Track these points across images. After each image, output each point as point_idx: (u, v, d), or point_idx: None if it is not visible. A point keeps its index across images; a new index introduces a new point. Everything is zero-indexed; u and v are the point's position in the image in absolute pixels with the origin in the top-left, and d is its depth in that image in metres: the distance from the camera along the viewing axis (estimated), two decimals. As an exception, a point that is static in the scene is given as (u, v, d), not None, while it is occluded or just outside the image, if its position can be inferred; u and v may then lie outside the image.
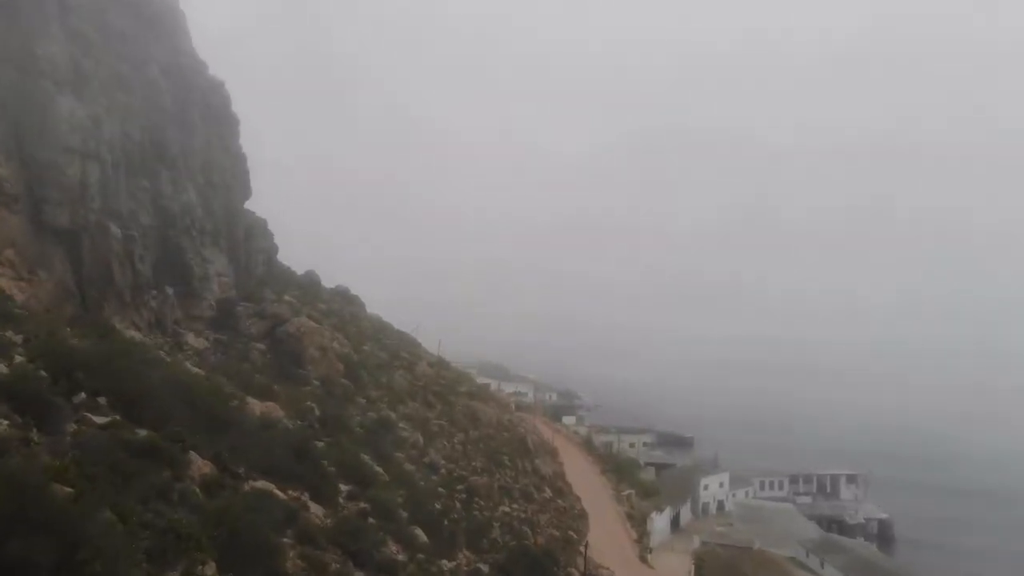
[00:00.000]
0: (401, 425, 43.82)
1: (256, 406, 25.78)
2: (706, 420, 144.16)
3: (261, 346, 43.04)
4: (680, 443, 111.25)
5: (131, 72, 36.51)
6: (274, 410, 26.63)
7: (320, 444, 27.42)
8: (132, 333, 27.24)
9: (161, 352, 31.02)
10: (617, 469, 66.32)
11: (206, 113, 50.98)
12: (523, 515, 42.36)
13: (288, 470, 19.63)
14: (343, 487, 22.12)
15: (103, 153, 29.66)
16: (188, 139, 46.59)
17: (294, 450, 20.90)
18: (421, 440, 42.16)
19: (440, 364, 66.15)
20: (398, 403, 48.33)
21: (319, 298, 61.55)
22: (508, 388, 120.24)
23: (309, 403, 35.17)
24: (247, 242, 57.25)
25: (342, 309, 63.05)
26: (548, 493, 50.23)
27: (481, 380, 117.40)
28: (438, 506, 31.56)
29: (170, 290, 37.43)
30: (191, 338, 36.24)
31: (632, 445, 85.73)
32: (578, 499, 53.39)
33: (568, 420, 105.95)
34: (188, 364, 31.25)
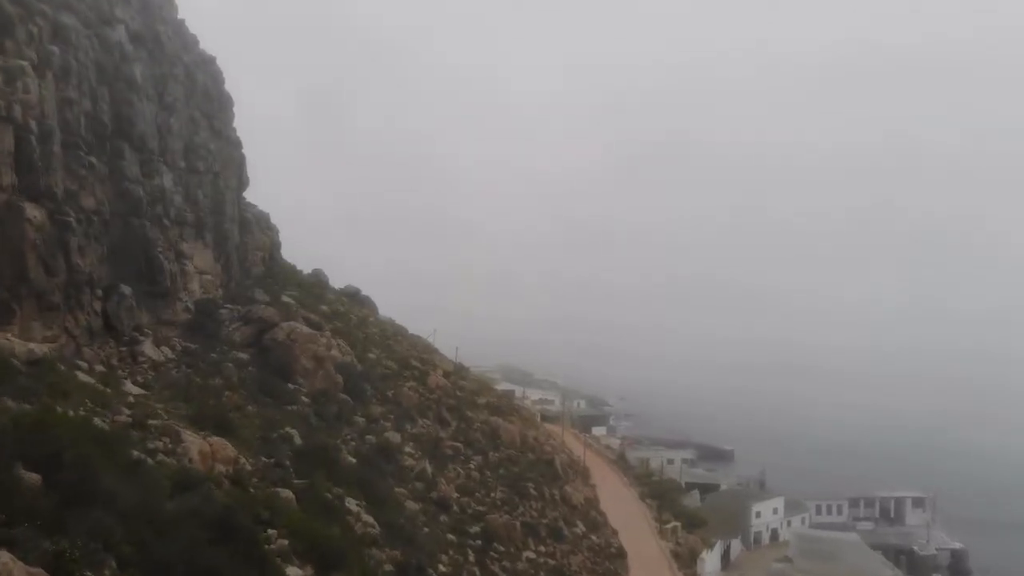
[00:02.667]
0: (407, 450, 37.10)
1: (194, 445, 19.14)
2: (727, 424, 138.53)
3: (244, 356, 36.63)
4: (720, 457, 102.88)
5: (79, 27, 30.33)
6: (220, 450, 19.96)
7: (284, 493, 20.69)
8: (33, 346, 20.84)
9: (92, 370, 24.71)
10: (658, 493, 58.77)
11: (191, 90, 44.87)
12: (551, 561, 35.29)
13: (198, 561, 12.75)
14: (295, 573, 15.32)
15: (18, 116, 23.50)
16: (166, 117, 40.43)
17: (215, 523, 14.04)
18: (429, 469, 35.35)
19: (458, 373, 59.32)
20: (406, 421, 41.63)
21: (323, 299, 55.16)
22: (533, 395, 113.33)
23: (288, 429, 28.55)
24: (243, 237, 51.21)
25: (349, 312, 56.61)
26: (580, 528, 43.05)
27: (504, 386, 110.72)
28: (444, 567, 24.62)
29: (127, 289, 31.15)
30: (148, 348, 29.88)
31: (671, 462, 77.91)
32: (615, 533, 46.09)
33: (598, 431, 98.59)
34: (128, 384, 24.85)
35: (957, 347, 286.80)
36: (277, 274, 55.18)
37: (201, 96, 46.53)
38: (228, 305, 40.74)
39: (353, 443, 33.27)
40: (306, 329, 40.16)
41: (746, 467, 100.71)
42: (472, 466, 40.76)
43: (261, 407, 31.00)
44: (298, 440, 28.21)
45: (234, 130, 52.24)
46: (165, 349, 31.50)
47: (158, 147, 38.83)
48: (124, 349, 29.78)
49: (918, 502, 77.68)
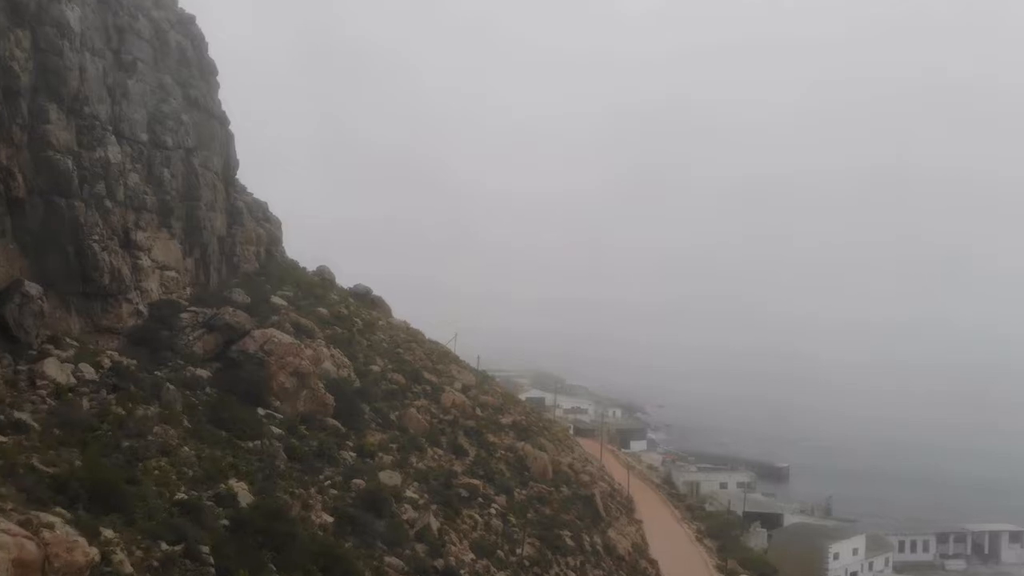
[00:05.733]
0: (408, 494, 28.88)
1: (7, 551, 11.17)
2: (759, 435, 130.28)
3: (203, 373, 28.91)
4: (773, 475, 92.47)
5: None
6: (62, 551, 11.95)
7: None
8: None
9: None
10: (716, 531, 49.60)
11: (161, 51, 37.47)
12: (595, 647, 26.76)
13: None
14: None
15: None
16: (122, 78, 32.99)
17: None
18: (435, 523, 27.07)
19: (479, 386, 51.10)
20: (411, 451, 33.56)
21: (324, 300, 47.56)
22: (565, 403, 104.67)
23: (231, 483, 20.52)
24: (231, 227, 43.88)
25: (355, 315, 48.87)
26: (629, 588, 34.39)
27: (533, 393, 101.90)
28: None
29: (34, 289, 23.58)
30: (51, 367, 22.15)
31: (724, 486, 68.30)
32: (671, 591, 37.33)
33: (637, 446, 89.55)
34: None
35: (963, 361, 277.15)
36: (273, 272, 47.78)
37: (175, 60, 39.09)
38: (192, 308, 33.09)
39: (334, 492, 25.21)
40: (286, 338, 32.27)
41: (797, 486, 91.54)
42: (493, 511, 32.43)
43: (208, 446, 23.13)
44: (246, 499, 20.19)
45: (218, 103, 44.75)
46: (85, 367, 23.78)
47: (109, 113, 31.35)
48: (23, 368, 22.20)
49: (1015, 536, 66.97)
